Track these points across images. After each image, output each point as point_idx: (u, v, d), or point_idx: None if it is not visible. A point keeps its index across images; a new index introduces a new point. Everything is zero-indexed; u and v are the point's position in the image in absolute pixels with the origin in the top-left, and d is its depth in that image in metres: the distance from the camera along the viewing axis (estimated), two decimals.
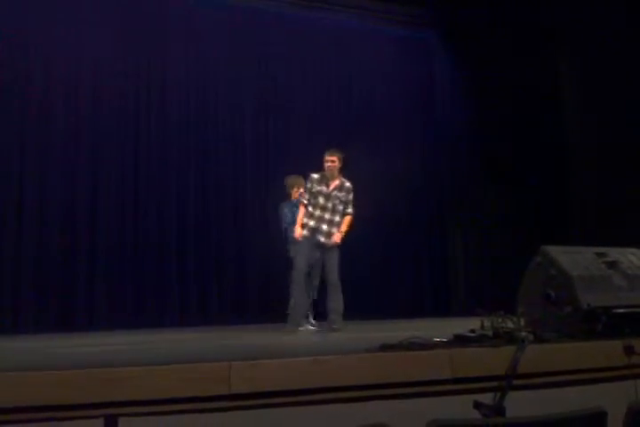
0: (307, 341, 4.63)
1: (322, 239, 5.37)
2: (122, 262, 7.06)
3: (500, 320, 3.27)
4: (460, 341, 3.08)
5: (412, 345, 2.90)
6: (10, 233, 6.69)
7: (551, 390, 2.81)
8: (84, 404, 2.24)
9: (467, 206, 8.72)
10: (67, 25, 7.13)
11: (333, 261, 5.36)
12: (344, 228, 5.45)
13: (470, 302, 7.58)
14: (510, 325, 3.33)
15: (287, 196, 6.28)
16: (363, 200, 8.43)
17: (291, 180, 6.28)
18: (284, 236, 6.11)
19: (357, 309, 7.85)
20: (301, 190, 5.73)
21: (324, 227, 5.38)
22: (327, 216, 5.41)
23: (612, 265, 3.61)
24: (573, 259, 3.57)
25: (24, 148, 6.89)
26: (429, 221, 8.83)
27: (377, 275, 8.27)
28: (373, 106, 8.78)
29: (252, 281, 7.66)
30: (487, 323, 3.33)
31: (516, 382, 2.18)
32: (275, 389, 2.43)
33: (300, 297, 5.26)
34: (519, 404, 2.12)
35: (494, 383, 2.23)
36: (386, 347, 2.86)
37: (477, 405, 2.04)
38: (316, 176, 5.50)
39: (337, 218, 5.43)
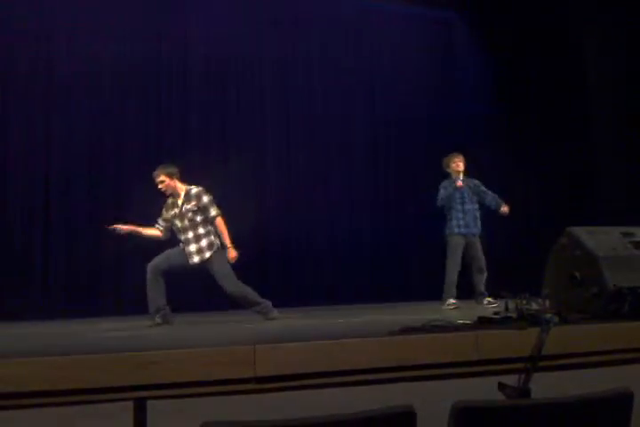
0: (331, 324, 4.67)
1: (195, 260, 4.94)
2: (151, 245, 7.11)
3: (524, 302, 3.25)
4: (484, 323, 3.08)
5: (436, 328, 2.90)
6: (38, 220, 6.80)
7: (577, 371, 2.79)
8: (113, 387, 2.28)
9: (490, 186, 8.64)
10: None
11: (221, 272, 4.93)
12: (224, 237, 4.97)
13: (494, 285, 7.54)
14: (535, 306, 3.31)
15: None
16: (388, 182, 8.51)
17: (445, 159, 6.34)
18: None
19: (375, 291, 7.92)
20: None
21: (193, 247, 4.94)
22: (190, 235, 4.96)
23: (639, 245, 3.56)
24: (599, 239, 3.53)
25: (49, 123, 6.97)
26: None
27: (393, 256, 8.28)
28: (394, 85, 8.71)
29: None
30: (511, 305, 3.31)
31: (541, 363, 2.17)
32: (299, 371, 2.46)
33: None
34: (544, 385, 2.11)
35: (519, 365, 2.23)
36: (408, 330, 2.86)
37: (502, 386, 2.04)
38: (168, 202, 5.12)
39: (201, 230, 4.96)
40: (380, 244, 8.36)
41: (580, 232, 3.59)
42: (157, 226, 5.14)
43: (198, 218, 5.00)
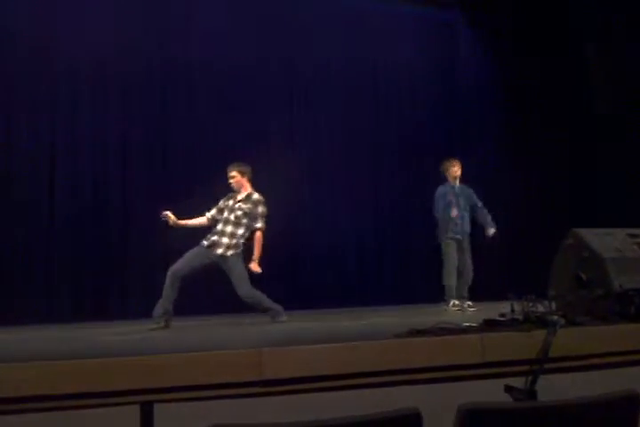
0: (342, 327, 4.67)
1: (219, 251, 5.07)
2: (157, 249, 7.14)
3: (530, 304, 3.24)
4: (490, 325, 3.07)
5: (442, 330, 2.90)
6: (43, 222, 6.82)
7: (583, 373, 2.78)
8: (120, 391, 2.29)
9: (492, 187, 8.65)
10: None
11: (237, 275, 5.01)
12: (257, 250, 5.10)
13: (499, 287, 7.52)
14: (541, 308, 3.31)
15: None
16: (392, 184, 8.50)
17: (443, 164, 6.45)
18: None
19: (380, 294, 7.91)
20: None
21: (225, 240, 5.10)
22: (228, 229, 5.14)
23: None
24: (605, 241, 3.52)
25: (54, 124, 7.01)
26: None
27: (397, 259, 8.29)
28: (397, 86, 8.71)
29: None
30: (517, 307, 3.31)
31: (547, 365, 2.17)
32: (305, 374, 2.46)
33: None
34: (551, 388, 2.11)
35: (526, 367, 2.22)
36: (415, 332, 2.86)
37: (509, 389, 2.04)
38: (230, 194, 5.37)
39: (240, 231, 5.14)
40: (384, 246, 8.36)
41: (586, 233, 3.59)
42: (207, 214, 5.37)
43: (244, 220, 5.20)
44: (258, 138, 7.85)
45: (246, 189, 5.35)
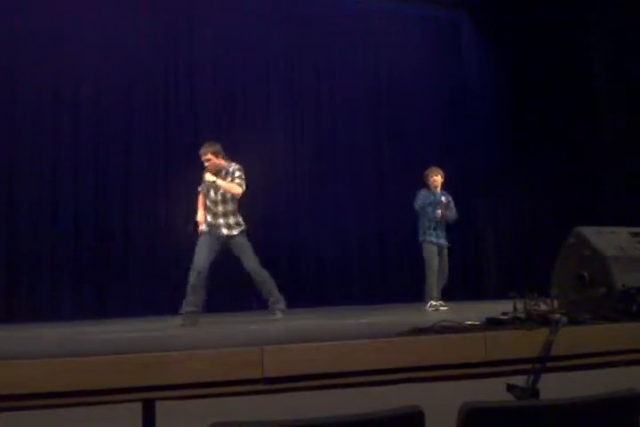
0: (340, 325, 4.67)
1: (224, 232, 5.16)
2: (156, 248, 7.15)
3: (533, 303, 3.24)
4: (492, 324, 3.06)
5: (444, 329, 2.89)
6: (45, 222, 6.84)
7: (585, 372, 2.78)
8: (122, 388, 2.29)
9: (498, 188, 8.65)
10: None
11: (246, 251, 5.14)
12: (226, 184, 5.14)
13: (502, 285, 7.52)
14: (544, 307, 3.30)
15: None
16: (395, 183, 8.50)
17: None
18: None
19: (385, 292, 7.92)
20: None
21: (221, 221, 5.18)
22: (220, 209, 5.19)
23: None
24: (607, 239, 3.51)
25: (57, 123, 7.02)
26: (461, 201, 8.76)
27: (404, 258, 8.28)
28: (402, 87, 8.71)
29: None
30: (520, 305, 3.30)
31: (549, 364, 2.16)
32: (307, 372, 2.46)
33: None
34: (553, 386, 2.11)
35: (528, 366, 2.22)
36: (417, 331, 2.86)
37: (511, 387, 2.04)
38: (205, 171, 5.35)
39: (230, 207, 5.22)
40: (386, 245, 8.37)
41: (589, 232, 3.57)
42: (201, 190, 5.33)
43: (229, 194, 5.17)
44: (260, 138, 7.85)
45: (222, 166, 5.28)
